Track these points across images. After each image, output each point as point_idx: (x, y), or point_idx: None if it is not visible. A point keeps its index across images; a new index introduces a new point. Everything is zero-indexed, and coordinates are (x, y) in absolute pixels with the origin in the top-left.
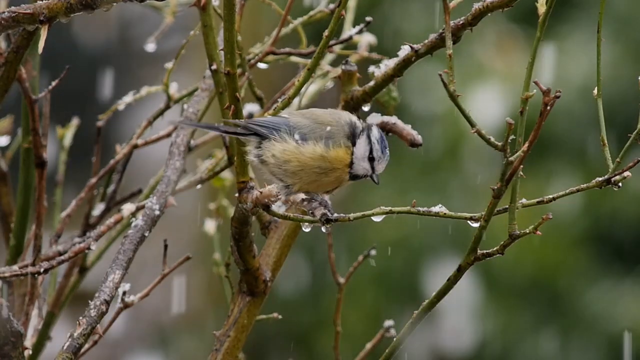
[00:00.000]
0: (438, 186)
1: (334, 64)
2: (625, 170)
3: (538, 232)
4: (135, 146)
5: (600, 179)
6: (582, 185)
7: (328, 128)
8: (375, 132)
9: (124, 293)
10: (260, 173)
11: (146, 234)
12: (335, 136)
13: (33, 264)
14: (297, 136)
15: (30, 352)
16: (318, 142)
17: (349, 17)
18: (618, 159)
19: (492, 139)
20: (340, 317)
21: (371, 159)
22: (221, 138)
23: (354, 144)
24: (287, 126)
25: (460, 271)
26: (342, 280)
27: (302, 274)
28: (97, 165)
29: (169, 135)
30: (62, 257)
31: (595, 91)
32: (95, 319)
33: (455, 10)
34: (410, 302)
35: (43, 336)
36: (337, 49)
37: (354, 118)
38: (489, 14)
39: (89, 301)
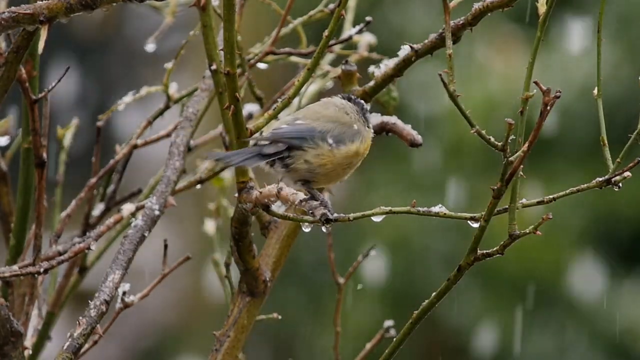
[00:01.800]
0: (438, 186)
1: (334, 64)
2: (626, 171)
3: (538, 232)
4: (135, 146)
5: (600, 179)
6: (582, 186)
7: (355, 126)
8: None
9: (124, 293)
10: (262, 175)
11: (146, 234)
12: (360, 129)
13: (33, 264)
14: (330, 140)
15: (30, 352)
16: (355, 141)
17: (349, 17)
18: (618, 159)
19: (492, 139)
20: (340, 317)
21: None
22: (220, 138)
23: (369, 126)
24: (317, 132)
25: (460, 271)
26: (342, 280)
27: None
28: (97, 165)
29: (168, 135)
30: (62, 257)
31: (595, 91)
32: (95, 319)
33: (455, 10)
34: (409, 303)
35: (43, 336)
36: (337, 49)
37: (355, 104)
38: (489, 14)
39: (89, 301)
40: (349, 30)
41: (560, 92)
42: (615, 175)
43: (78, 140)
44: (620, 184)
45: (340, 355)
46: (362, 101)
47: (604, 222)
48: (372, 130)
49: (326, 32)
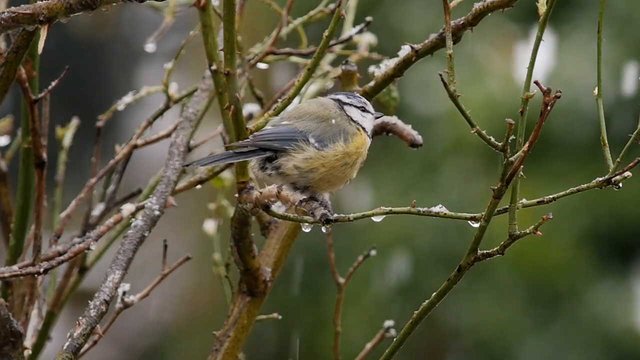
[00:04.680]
0: (438, 186)
1: (334, 64)
2: (626, 171)
3: (538, 233)
4: (135, 146)
5: (600, 179)
6: (582, 186)
7: (333, 121)
8: (344, 99)
9: (124, 293)
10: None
11: (146, 234)
12: (343, 125)
13: (33, 264)
14: (312, 140)
15: (30, 352)
16: (337, 141)
17: (349, 17)
18: (618, 159)
19: (492, 139)
20: (340, 317)
21: (364, 112)
22: (220, 138)
23: (353, 120)
24: (299, 133)
25: (460, 271)
26: (342, 280)
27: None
28: (97, 166)
29: (168, 135)
30: (62, 257)
31: (596, 91)
32: (95, 319)
33: (456, 10)
34: (411, 301)
35: (43, 336)
36: (337, 49)
37: (334, 101)
38: (489, 14)
39: (89, 301)
40: (349, 30)
41: (560, 92)
42: (615, 175)
43: (78, 141)
44: (621, 184)
45: (340, 355)
46: (339, 97)
47: (604, 222)
48: (363, 126)
49: (326, 32)
